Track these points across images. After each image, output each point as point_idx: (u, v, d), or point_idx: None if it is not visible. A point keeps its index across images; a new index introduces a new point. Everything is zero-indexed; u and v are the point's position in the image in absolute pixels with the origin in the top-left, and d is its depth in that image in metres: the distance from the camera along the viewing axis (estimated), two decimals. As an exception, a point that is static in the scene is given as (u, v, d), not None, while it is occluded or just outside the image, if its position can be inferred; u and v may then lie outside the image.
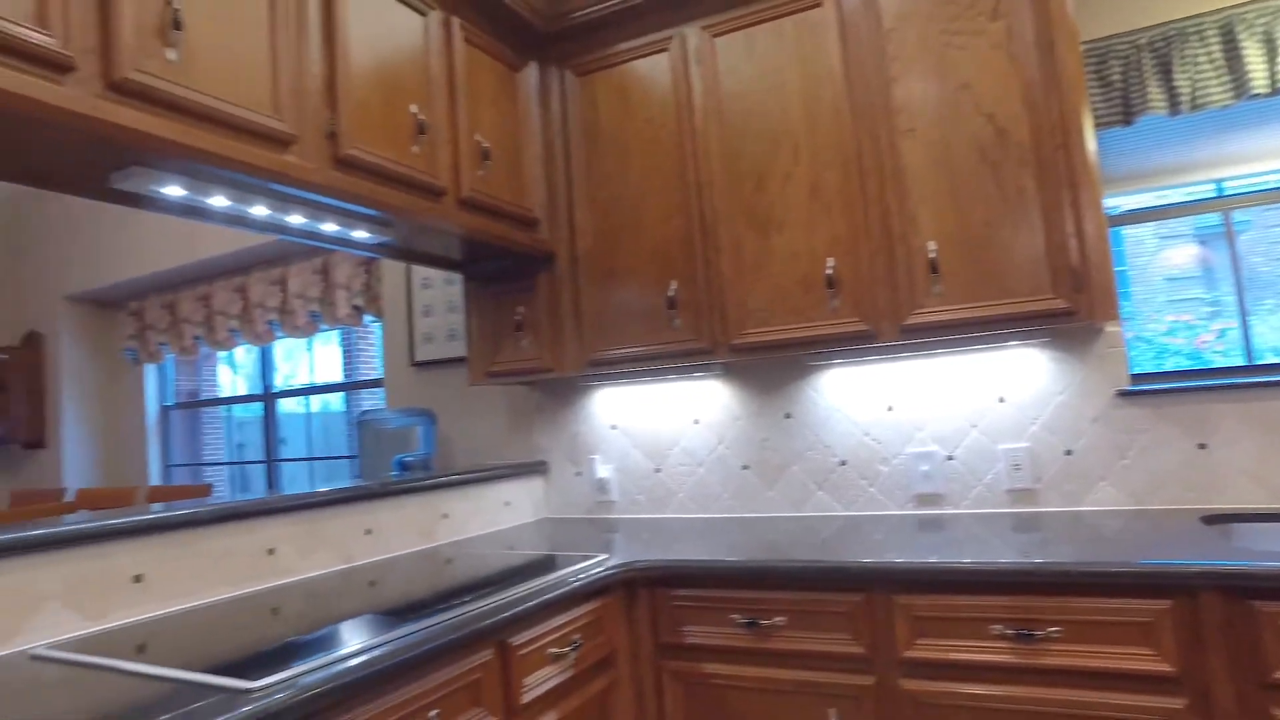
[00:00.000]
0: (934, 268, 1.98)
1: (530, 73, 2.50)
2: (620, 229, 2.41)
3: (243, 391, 4.83)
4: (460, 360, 3.03)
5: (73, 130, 1.30)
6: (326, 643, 1.27)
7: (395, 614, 1.45)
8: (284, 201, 1.75)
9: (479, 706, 1.41)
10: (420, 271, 3.16)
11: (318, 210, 1.83)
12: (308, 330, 3.85)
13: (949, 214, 1.99)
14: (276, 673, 1.11)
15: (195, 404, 4.81)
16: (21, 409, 4.70)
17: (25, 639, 1.39)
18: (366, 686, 1.17)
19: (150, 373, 4.79)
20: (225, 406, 4.82)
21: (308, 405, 4.49)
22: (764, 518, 2.42)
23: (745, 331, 2.20)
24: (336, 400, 4.30)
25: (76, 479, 4.74)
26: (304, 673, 1.12)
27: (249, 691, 1.05)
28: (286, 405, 4.57)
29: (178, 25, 1.41)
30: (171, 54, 1.41)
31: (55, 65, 1.24)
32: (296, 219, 1.82)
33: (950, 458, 2.27)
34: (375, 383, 3.81)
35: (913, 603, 1.65)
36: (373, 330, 4.13)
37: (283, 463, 4.37)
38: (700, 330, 2.26)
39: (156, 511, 1.63)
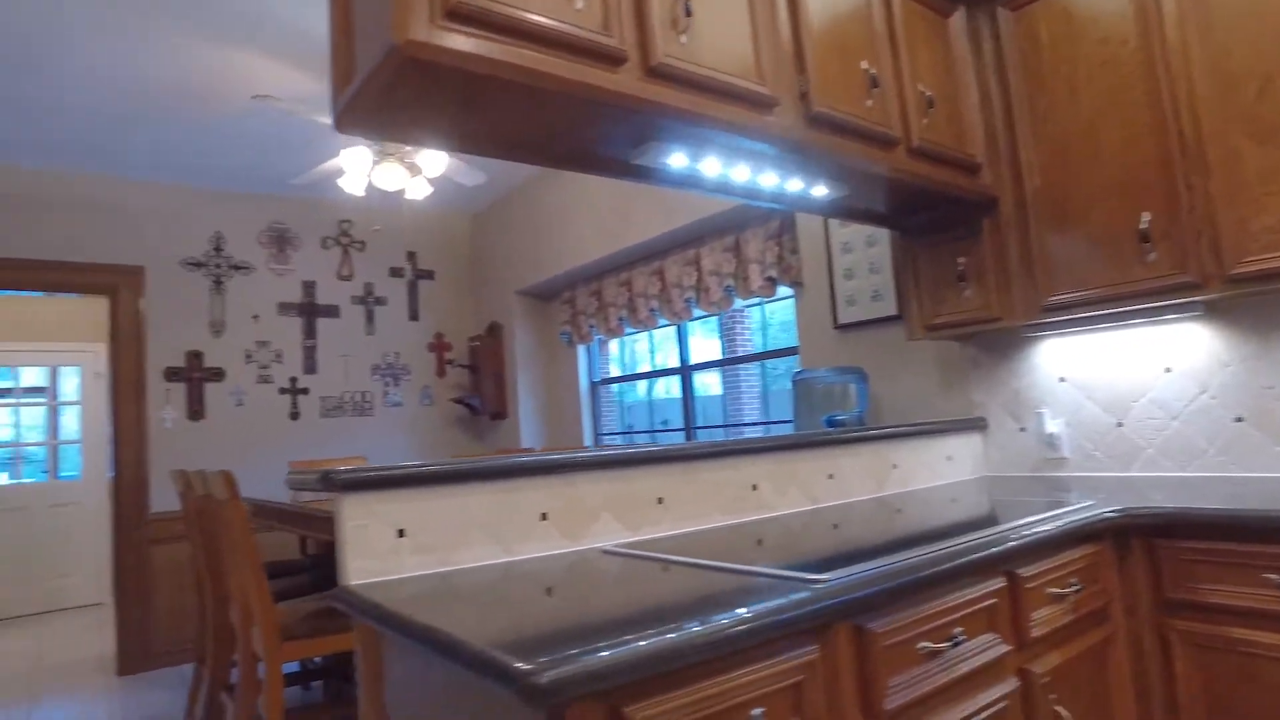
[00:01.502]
0: None
1: (959, 17, 2.43)
2: (1073, 163, 2.24)
3: (626, 379, 5.36)
4: (885, 320, 3.05)
5: (619, 110, 1.55)
6: (848, 558, 1.37)
7: (897, 543, 1.51)
8: (760, 163, 1.91)
9: (994, 632, 1.42)
10: (840, 236, 3.24)
11: (787, 169, 1.97)
12: (723, 305, 4.15)
13: None
14: (835, 570, 1.23)
15: (616, 379, 5.43)
16: (488, 386, 5.69)
17: (590, 540, 1.69)
18: (906, 592, 1.24)
19: (581, 353, 5.50)
20: (618, 387, 5.38)
21: (719, 385, 4.84)
22: (1269, 478, 2.09)
23: (1248, 259, 1.92)
24: (696, 386, 4.58)
25: (531, 444, 5.63)
26: (857, 573, 1.22)
27: (817, 581, 1.17)
28: (661, 389, 5.01)
29: (688, 12, 1.61)
30: (684, 38, 1.61)
31: (613, 60, 1.49)
32: (769, 180, 1.97)
33: None
34: (789, 351, 3.98)
35: None
36: (748, 314, 4.35)
37: (700, 430, 4.76)
38: (1185, 262, 2.02)
39: (669, 445, 1.88)
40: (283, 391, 5.40)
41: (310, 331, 5.53)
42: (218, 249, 5.26)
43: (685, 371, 4.81)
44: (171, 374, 5.03)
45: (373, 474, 1.41)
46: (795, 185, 2.05)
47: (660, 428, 5.47)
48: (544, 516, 1.63)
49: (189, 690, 4.01)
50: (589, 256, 4.93)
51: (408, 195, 3.99)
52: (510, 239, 5.74)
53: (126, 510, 4.79)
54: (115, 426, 4.84)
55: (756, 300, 4.10)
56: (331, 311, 5.63)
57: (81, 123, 4.14)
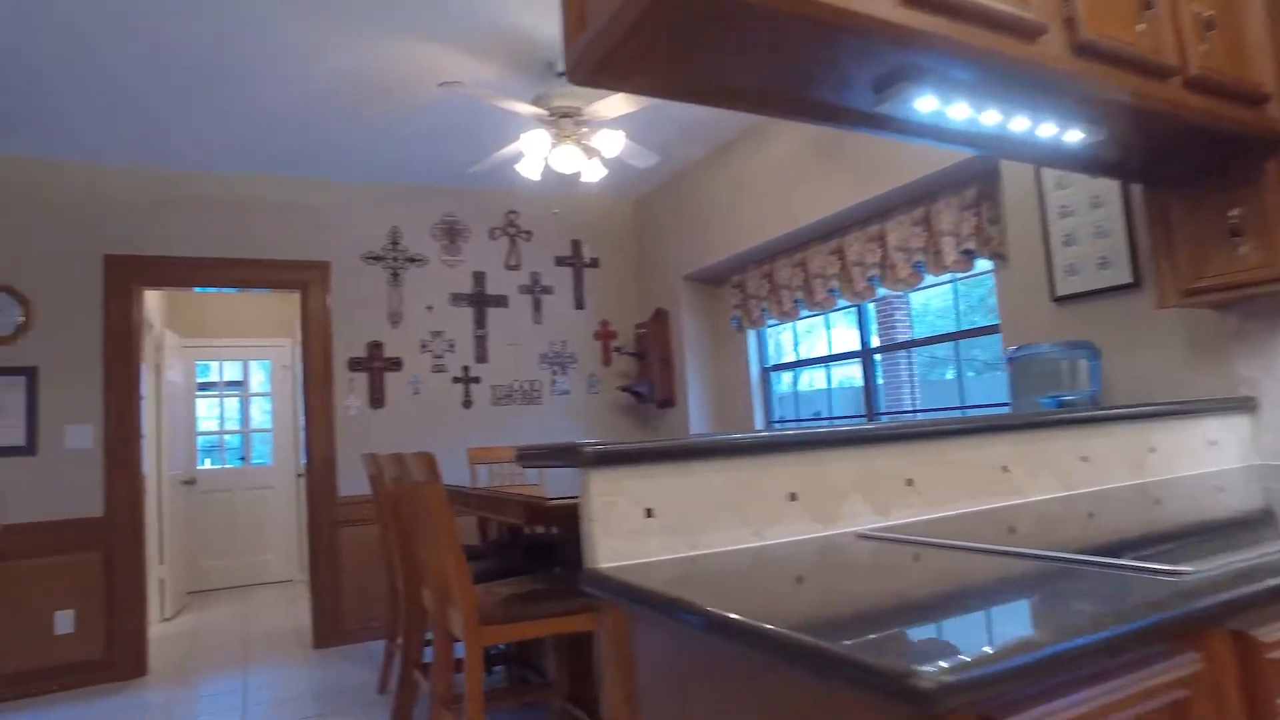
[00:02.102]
0: None
1: (1227, -71, 2.09)
2: (1394, 88, 1.87)
3: (778, 371, 5.13)
4: (1115, 289, 2.72)
5: (874, 43, 1.39)
6: (1169, 545, 1.15)
7: (1212, 532, 1.27)
8: (1011, 105, 1.69)
9: (1373, 646, 1.16)
10: (1056, 200, 2.92)
11: (1041, 110, 1.73)
12: (911, 282, 3.87)
13: None
14: (1205, 561, 1.01)
15: (789, 364, 5.23)
16: (656, 373, 5.62)
17: (841, 524, 1.54)
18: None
19: (751, 339, 5.34)
20: (779, 375, 5.17)
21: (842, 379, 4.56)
22: None
23: None
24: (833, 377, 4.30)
25: (701, 431, 5.52)
26: (1231, 565, 1.00)
27: (1182, 573, 0.97)
28: (807, 381, 4.75)
29: (949, -74, 1.42)
30: (942, -43, 1.42)
31: (874, -18, 1.33)
32: (1019, 125, 1.74)
33: None
34: (990, 329, 3.66)
35: None
36: (905, 299, 4.02)
37: (883, 415, 4.50)
38: None
39: (916, 422, 1.69)
40: (455, 380, 5.53)
41: (480, 321, 5.64)
42: (394, 243, 5.45)
43: (866, 355, 4.55)
44: (354, 364, 5.25)
45: (621, 448, 1.31)
46: (1048, 130, 1.80)
47: (813, 417, 5.25)
48: (793, 497, 1.48)
49: (381, 665, 4.16)
50: (760, 237, 4.75)
51: (583, 178, 3.96)
52: (676, 223, 5.64)
53: (318, 494, 5.04)
54: (307, 415, 5.10)
55: (949, 277, 3.80)
56: (500, 301, 5.72)
57: (278, 126, 4.36)
